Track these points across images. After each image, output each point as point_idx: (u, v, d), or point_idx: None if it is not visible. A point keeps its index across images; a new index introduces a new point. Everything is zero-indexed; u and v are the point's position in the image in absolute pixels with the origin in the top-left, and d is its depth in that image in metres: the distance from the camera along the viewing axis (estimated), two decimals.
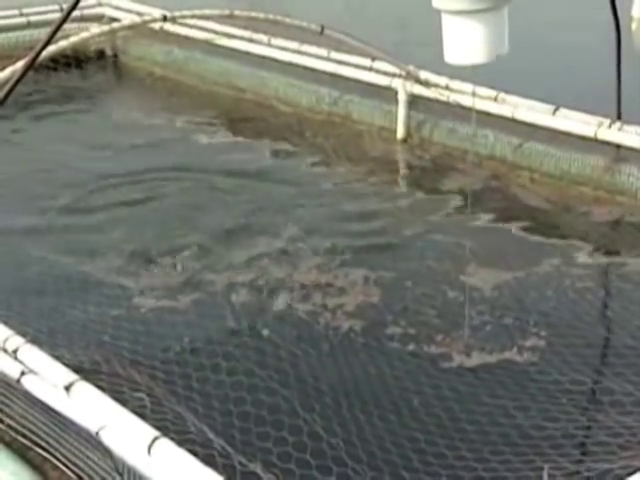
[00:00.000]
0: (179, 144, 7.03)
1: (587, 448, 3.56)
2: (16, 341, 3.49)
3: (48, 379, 3.28)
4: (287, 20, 7.08)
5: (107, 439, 2.99)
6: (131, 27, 7.98)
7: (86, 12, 8.58)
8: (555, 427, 3.67)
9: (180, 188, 6.14)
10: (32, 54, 4.17)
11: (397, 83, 6.96)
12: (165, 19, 7.33)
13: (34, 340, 3.57)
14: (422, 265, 5.10)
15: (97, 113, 7.92)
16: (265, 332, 4.41)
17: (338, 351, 4.25)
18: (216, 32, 8.22)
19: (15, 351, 3.44)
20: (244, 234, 5.42)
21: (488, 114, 6.25)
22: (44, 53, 4.30)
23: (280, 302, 4.63)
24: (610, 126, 5.97)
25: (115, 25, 7.64)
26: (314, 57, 7.53)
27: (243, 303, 4.65)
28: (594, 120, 6.03)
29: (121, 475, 2.99)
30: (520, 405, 3.83)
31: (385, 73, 7.10)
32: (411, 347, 4.28)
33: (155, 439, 2.90)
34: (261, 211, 5.75)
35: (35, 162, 6.64)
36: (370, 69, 7.20)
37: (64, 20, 4.06)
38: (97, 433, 3.00)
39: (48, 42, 4.16)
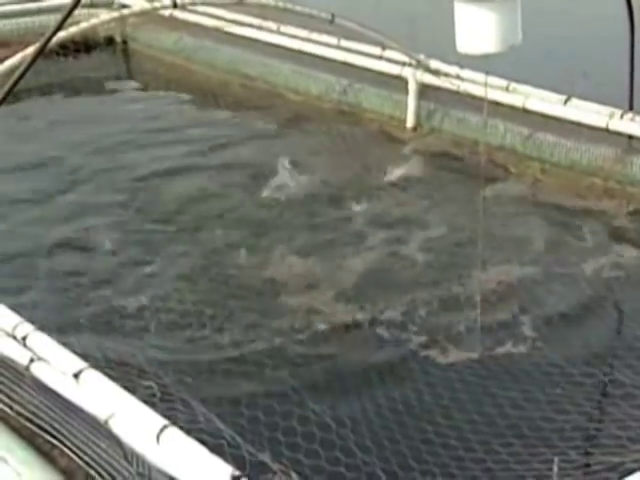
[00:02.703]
0: (186, 131, 7.00)
1: (599, 441, 3.55)
2: (25, 328, 3.47)
3: (57, 366, 3.26)
4: (297, 8, 7.04)
5: (116, 427, 2.96)
6: (141, 14, 7.93)
7: None
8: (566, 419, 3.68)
9: (186, 178, 6.15)
10: (42, 40, 4.14)
11: (407, 72, 6.93)
12: (175, 6, 7.26)
13: None
14: (431, 257, 5.09)
15: (105, 99, 7.90)
16: None
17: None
18: (226, 19, 8.21)
19: (24, 338, 3.42)
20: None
21: (499, 104, 6.22)
22: (54, 39, 4.27)
23: None
24: (622, 117, 5.93)
25: (125, 11, 7.59)
26: (324, 45, 7.52)
27: None
28: (606, 110, 5.99)
29: (130, 463, 2.97)
30: (530, 397, 3.84)
31: (395, 62, 7.07)
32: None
33: (164, 428, 2.88)
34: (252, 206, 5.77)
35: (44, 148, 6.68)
36: (380, 58, 7.18)
37: (74, 6, 4.02)
38: (106, 421, 2.99)
39: (59, 28, 4.14)
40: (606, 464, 3.21)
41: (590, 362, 4.08)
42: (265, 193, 5.93)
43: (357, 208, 5.73)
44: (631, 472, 2.66)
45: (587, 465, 3.28)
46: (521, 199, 5.86)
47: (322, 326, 4.37)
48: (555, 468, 2.89)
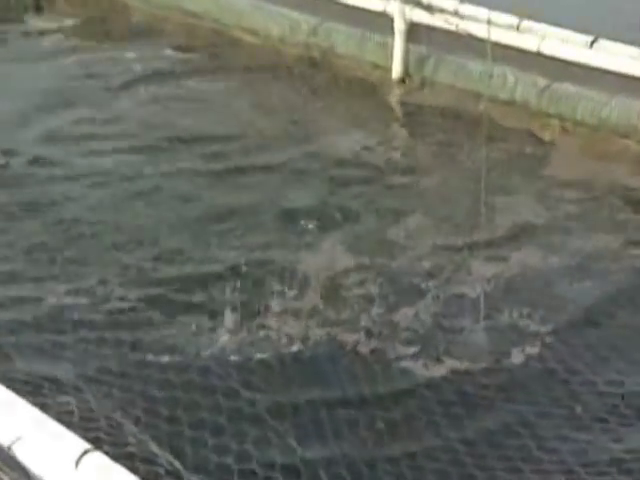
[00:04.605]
0: (110, 79, 7.08)
1: (629, 465, 3.65)
2: None
3: None
4: None
5: (22, 454, 2.95)
6: None
7: None
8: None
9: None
10: None
11: (393, 8, 6.92)
12: None
13: None
14: (424, 245, 5.16)
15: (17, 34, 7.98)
16: None
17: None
18: None
19: None
20: None
21: (508, 47, 6.21)
22: None
23: None
24: None
25: None
26: None
27: None
28: None
29: None
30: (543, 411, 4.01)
31: None
32: None
33: (85, 453, 2.89)
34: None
35: None
36: None
37: None
38: (9, 447, 3.00)
39: None
40: None
41: (617, 368, 4.22)
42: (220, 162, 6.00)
43: (327, 185, 5.72)
44: None
45: None
46: (535, 167, 5.89)
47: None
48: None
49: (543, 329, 4.46)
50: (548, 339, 4.41)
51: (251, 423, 3.81)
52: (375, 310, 4.61)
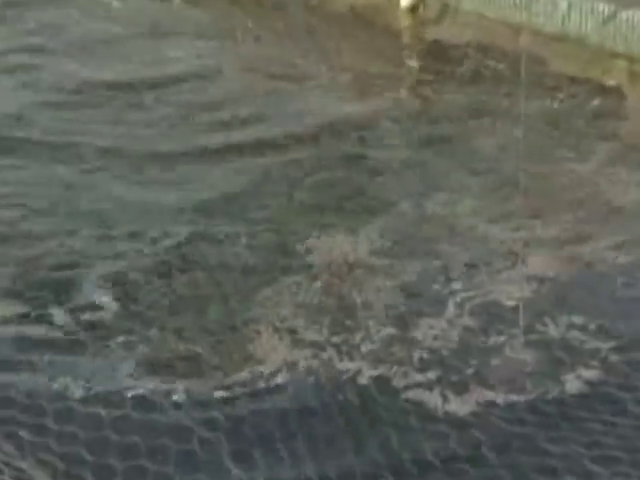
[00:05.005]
0: None
1: None
2: None
3: None
4: None
5: None
6: None
7: None
8: None
9: None
10: None
11: None
12: None
13: None
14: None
15: None
16: None
17: None
18: None
19: None
20: None
21: None
22: None
23: None
24: None
25: None
26: None
27: None
28: None
29: None
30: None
31: None
32: None
33: None
34: None
35: None
36: None
37: None
38: None
39: None
40: None
41: None
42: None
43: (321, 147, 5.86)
44: None
45: None
46: (597, 125, 5.85)
47: None
48: None
49: (604, 345, 4.35)
50: (611, 358, 4.29)
51: (209, 474, 3.66)
52: (382, 323, 4.49)
